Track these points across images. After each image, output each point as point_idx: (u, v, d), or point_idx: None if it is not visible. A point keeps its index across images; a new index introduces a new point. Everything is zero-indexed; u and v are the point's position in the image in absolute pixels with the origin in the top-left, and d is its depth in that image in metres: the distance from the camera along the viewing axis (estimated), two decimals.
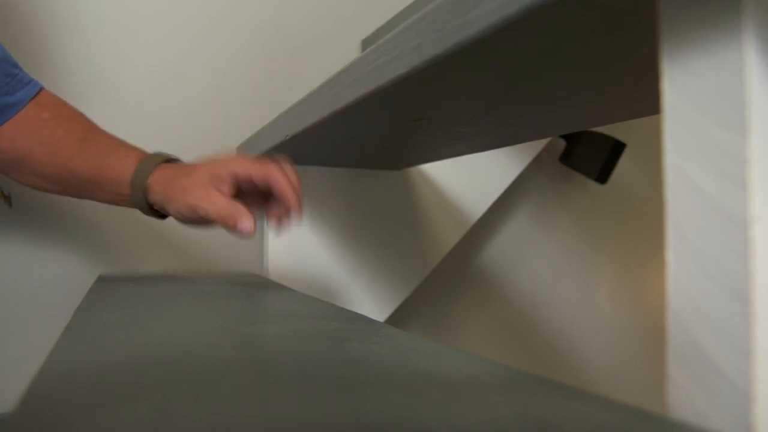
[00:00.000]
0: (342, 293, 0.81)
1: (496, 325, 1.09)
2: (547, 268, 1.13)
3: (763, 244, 0.20)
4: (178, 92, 0.85)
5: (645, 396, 1.02)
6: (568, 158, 1.06)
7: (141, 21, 0.83)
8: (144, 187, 0.54)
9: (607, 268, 1.18)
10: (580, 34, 0.30)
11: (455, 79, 0.38)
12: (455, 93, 0.42)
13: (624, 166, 1.08)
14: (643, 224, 1.19)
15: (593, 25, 0.28)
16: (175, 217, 0.54)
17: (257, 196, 0.53)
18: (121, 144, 0.58)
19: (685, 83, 0.22)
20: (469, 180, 0.93)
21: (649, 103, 0.44)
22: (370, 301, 0.83)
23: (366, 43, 0.94)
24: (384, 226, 0.85)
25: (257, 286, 0.57)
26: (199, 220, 0.52)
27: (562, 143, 1.07)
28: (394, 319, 0.88)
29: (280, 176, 0.50)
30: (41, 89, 0.58)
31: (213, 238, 0.83)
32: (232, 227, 0.48)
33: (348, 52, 0.94)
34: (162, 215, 0.57)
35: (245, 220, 0.48)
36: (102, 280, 0.63)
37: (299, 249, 0.80)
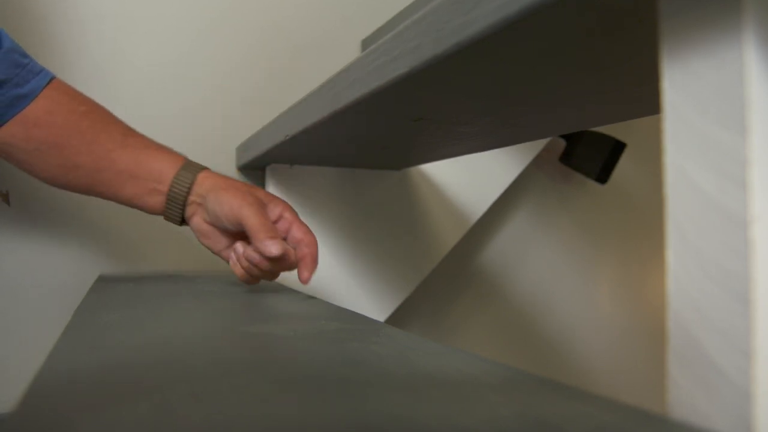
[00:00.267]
0: (342, 293, 0.81)
1: (496, 325, 1.09)
2: (547, 268, 1.13)
3: (763, 244, 0.20)
4: (178, 92, 0.85)
5: (645, 396, 1.02)
6: (568, 158, 1.06)
7: (141, 21, 0.83)
8: (191, 181, 0.55)
9: (607, 268, 1.18)
10: (580, 34, 0.30)
11: (455, 79, 0.38)
12: (455, 93, 0.42)
13: (624, 166, 1.08)
14: (643, 224, 1.19)
15: (593, 25, 0.28)
16: (208, 215, 0.54)
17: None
18: (160, 144, 0.59)
19: (685, 83, 0.22)
20: (469, 180, 0.93)
21: (649, 103, 0.44)
22: (370, 301, 0.83)
23: (366, 43, 0.94)
24: (384, 226, 0.85)
25: (257, 286, 0.57)
26: (229, 223, 0.52)
27: (562, 143, 1.07)
28: (394, 319, 0.88)
29: (314, 241, 0.53)
30: (53, 78, 0.56)
31: None
32: (261, 239, 0.49)
33: (348, 52, 0.94)
34: (182, 220, 0.57)
35: (276, 242, 0.49)
36: (102, 280, 0.63)
37: None
